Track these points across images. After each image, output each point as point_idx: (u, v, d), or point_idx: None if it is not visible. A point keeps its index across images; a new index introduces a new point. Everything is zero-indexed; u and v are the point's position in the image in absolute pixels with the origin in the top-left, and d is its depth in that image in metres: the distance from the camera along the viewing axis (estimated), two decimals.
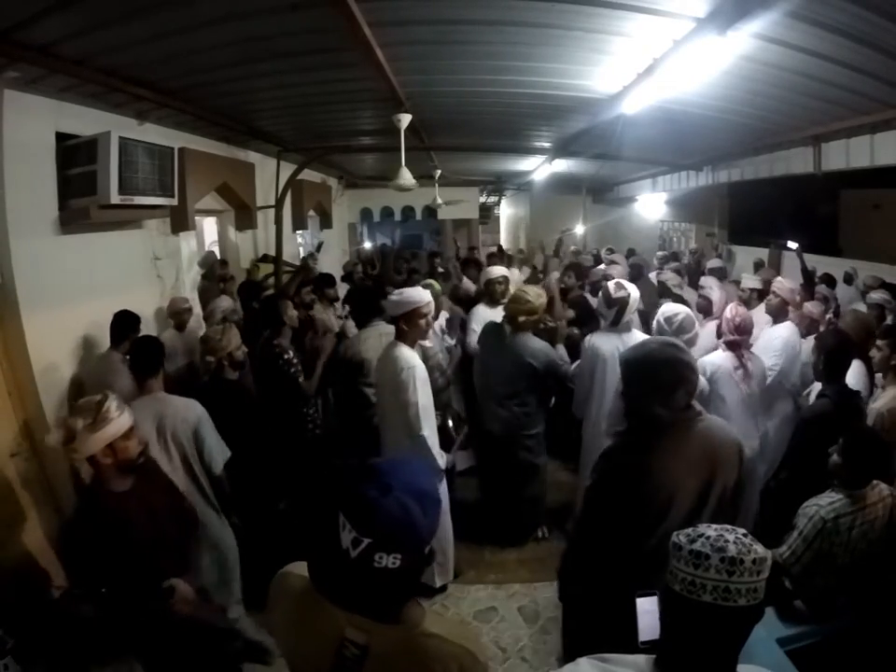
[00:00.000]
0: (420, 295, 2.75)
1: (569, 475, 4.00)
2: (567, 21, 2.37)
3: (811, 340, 3.42)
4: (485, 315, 3.89)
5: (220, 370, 2.73)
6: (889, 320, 3.76)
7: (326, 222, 7.76)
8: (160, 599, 1.79)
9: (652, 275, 5.59)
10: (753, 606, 0.90)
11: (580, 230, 8.24)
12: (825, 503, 1.99)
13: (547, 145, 5.72)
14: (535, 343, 3.25)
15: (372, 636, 0.98)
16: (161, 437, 2.27)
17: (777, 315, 3.39)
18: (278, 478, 2.90)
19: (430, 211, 8.63)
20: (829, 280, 5.23)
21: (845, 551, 1.97)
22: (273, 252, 5.24)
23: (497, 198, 12.76)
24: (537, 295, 3.27)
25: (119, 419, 1.76)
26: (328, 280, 4.79)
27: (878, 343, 2.71)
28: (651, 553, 1.57)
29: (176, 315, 3.67)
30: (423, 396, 2.65)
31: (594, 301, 4.11)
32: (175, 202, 3.43)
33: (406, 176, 3.66)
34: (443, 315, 4.21)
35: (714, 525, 0.97)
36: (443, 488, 2.84)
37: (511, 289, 3.78)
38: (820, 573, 2.00)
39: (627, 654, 1.03)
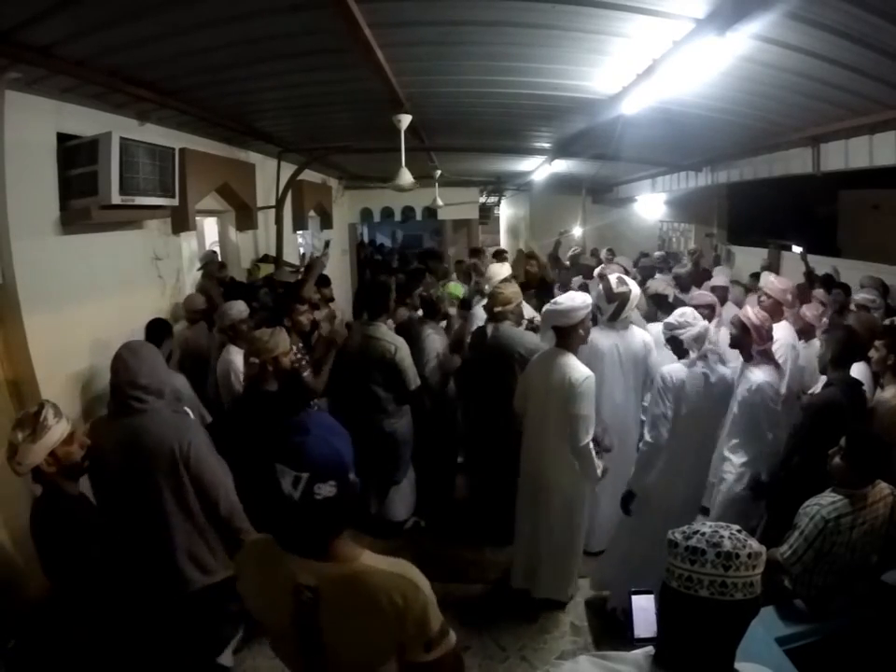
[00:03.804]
0: (587, 299, 2.76)
1: None
2: (567, 21, 2.38)
3: (812, 344, 3.41)
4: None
5: (263, 375, 2.60)
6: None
7: (326, 222, 7.77)
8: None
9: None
10: (750, 600, 0.92)
11: (578, 231, 8.23)
12: (826, 503, 2.00)
13: (547, 145, 5.73)
14: (517, 332, 3.28)
15: (321, 577, 1.13)
16: None
17: (772, 316, 3.20)
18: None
19: (430, 211, 8.63)
20: (829, 281, 5.22)
21: (845, 550, 1.98)
22: (273, 252, 5.26)
23: (496, 198, 12.76)
24: (507, 286, 3.39)
25: (57, 426, 1.78)
26: (323, 280, 4.81)
27: (876, 343, 2.72)
28: None
29: (192, 313, 3.73)
30: (591, 407, 2.63)
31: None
32: (175, 202, 3.43)
33: (406, 177, 3.67)
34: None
35: (709, 522, 0.99)
36: None
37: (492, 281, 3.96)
38: (821, 572, 2.01)
39: (626, 652, 1.04)
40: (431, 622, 1.16)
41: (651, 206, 9.42)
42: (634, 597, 1.23)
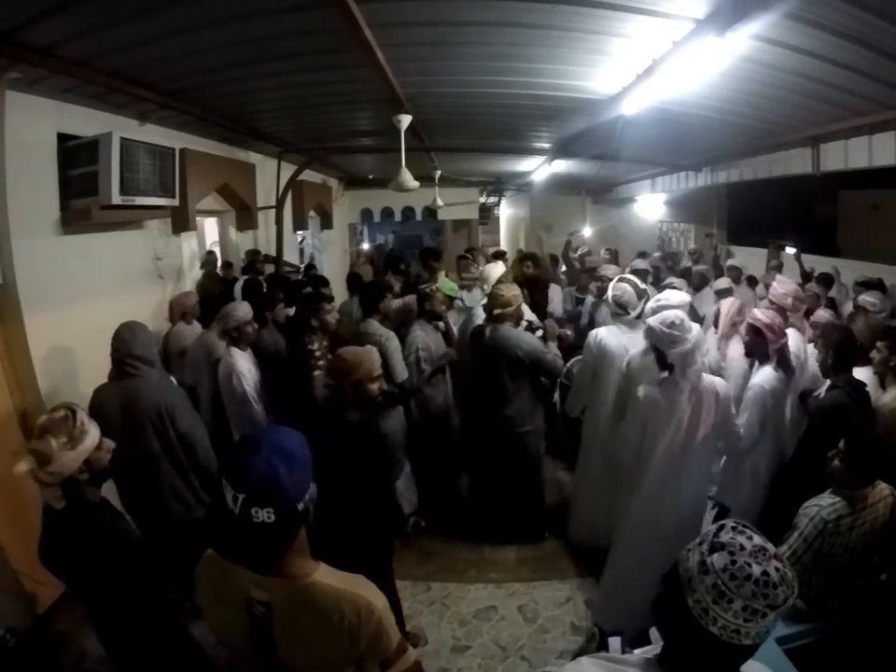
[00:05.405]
0: (686, 297, 3.09)
1: (569, 475, 4.01)
2: (567, 22, 2.38)
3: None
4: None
5: (343, 401, 2.24)
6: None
7: (326, 222, 7.76)
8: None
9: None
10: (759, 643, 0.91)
11: (587, 231, 8.27)
12: (826, 504, 1.99)
13: (547, 145, 5.73)
14: (515, 333, 3.27)
15: (273, 592, 1.10)
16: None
17: None
18: None
19: (430, 211, 8.63)
20: (827, 280, 5.22)
21: (844, 551, 1.98)
22: (272, 252, 5.26)
23: (496, 198, 12.77)
24: (508, 288, 3.36)
25: (92, 430, 1.71)
26: (322, 280, 4.80)
27: (878, 344, 2.71)
28: None
29: (184, 309, 3.72)
30: None
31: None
32: (176, 202, 3.44)
33: (406, 177, 3.67)
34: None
35: (756, 567, 0.90)
36: None
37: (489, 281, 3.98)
38: (820, 573, 2.01)
39: (629, 654, 1.04)
40: (387, 640, 1.15)
41: (650, 206, 9.43)
42: (652, 629, 1.20)
